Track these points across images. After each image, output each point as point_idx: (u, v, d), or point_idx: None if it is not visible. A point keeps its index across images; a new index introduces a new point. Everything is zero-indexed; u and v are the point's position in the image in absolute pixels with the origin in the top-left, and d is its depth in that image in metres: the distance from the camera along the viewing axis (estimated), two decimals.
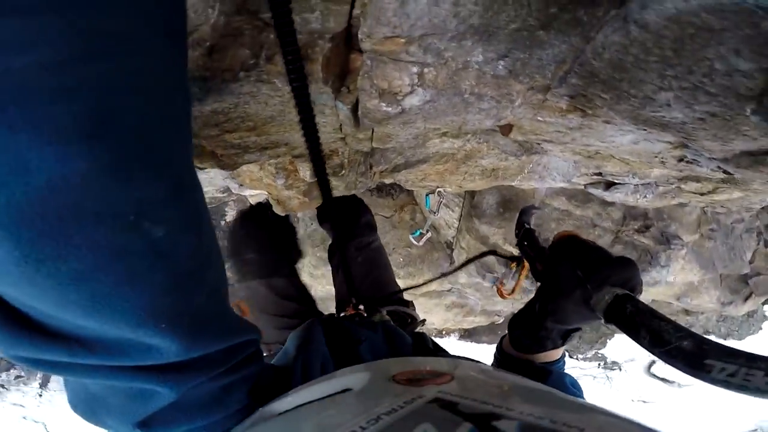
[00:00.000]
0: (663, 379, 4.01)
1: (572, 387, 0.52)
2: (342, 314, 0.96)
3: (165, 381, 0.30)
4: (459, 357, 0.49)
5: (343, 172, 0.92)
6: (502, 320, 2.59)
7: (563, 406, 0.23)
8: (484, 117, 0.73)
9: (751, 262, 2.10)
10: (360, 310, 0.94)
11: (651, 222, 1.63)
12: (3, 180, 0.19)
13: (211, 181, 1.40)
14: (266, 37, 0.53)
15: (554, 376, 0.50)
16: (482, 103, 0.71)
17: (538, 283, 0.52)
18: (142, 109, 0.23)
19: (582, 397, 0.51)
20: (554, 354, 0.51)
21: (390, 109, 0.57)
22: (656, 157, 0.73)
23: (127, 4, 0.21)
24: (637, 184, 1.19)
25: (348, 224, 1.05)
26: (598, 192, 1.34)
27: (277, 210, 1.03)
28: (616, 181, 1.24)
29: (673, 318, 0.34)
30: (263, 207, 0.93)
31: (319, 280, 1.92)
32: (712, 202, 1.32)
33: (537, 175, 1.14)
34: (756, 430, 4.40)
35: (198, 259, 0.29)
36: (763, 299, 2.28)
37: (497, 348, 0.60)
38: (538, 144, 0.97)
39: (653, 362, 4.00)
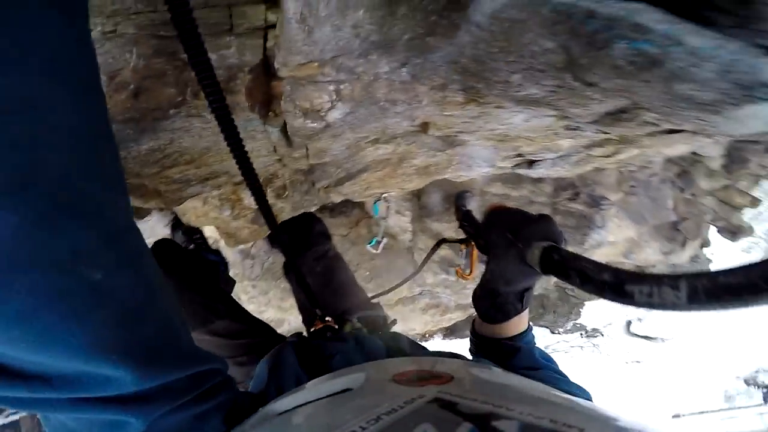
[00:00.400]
0: (645, 337, 4.21)
1: (542, 359, 0.55)
2: (312, 329, 0.97)
3: (129, 411, 0.32)
4: (459, 356, 0.52)
5: (287, 193, 0.99)
6: None
7: (563, 406, 0.23)
8: (400, 119, 0.85)
9: (674, 210, 2.41)
10: (329, 322, 0.95)
11: (579, 189, 1.86)
12: None
13: (152, 230, 1.38)
14: (189, 75, 0.60)
15: (523, 353, 0.54)
16: (396, 107, 0.83)
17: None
18: (62, 162, 0.25)
19: (555, 367, 0.56)
20: (520, 323, 0.56)
21: (315, 124, 0.66)
22: (549, 129, 0.89)
23: (30, 66, 0.24)
24: (553, 158, 1.38)
25: (301, 237, 1.09)
26: (524, 171, 1.52)
27: (229, 244, 1.05)
28: (535, 159, 1.43)
29: None
30: (167, 245, 0.88)
31: (290, 312, 1.91)
32: (619, 162, 1.56)
33: (464, 164, 1.29)
34: (757, 370, 4.72)
35: (140, 295, 0.31)
36: (698, 242, 2.59)
37: (471, 332, 0.65)
38: (455, 136, 1.12)
39: (630, 322, 4.22)
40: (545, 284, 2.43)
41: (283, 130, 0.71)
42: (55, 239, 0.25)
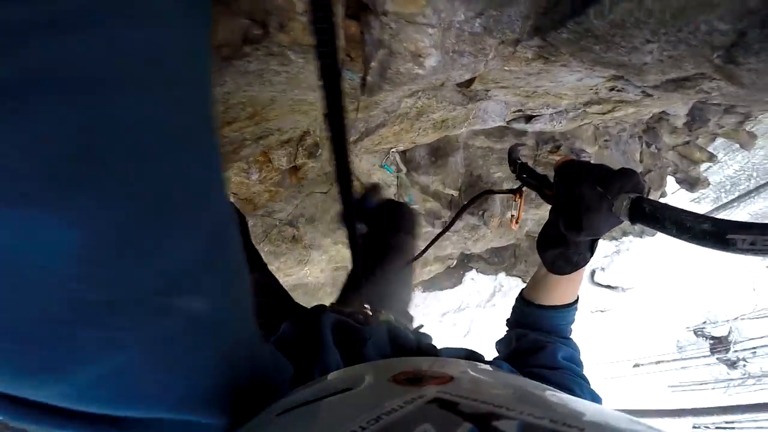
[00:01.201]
0: (607, 286, 4.62)
1: (564, 359, 0.56)
2: (348, 309, 0.92)
3: None
4: (459, 357, 0.52)
5: (320, 151, 0.89)
6: (455, 262, 2.90)
7: (564, 406, 0.24)
8: (464, 72, 0.80)
9: (641, 162, 2.76)
10: (366, 309, 0.91)
11: (560, 142, 2.01)
12: None
13: None
14: (273, 2, 0.47)
15: (547, 351, 0.55)
16: (463, 58, 0.77)
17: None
18: (149, 123, 0.16)
19: (576, 369, 0.57)
20: (575, 286, 0.58)
21: (420, 71, 0.59)
22: (591, 89, 0.93)
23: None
24: (551, 114, 1.46)
25: (390, 218, 0.98)
26: (520, 125, 1.59)
27: (246, 209, 0.93)
28: (534, 114, 1.49)
29: None
30: None
31: (276, 275, 1.81)
32: (612, 119, 1.71)
33: (480, 119, 1.29)
34: (705, 322, 5.44)
35: (241, 321, 0.26)
36: (659, 193, 2.98)
37: (518, 299, 0.66)
38: (486, 91, 1.10)
39: (593, 271, 4.60)
40: (518, 234, 2.67)
41: (364, 77, 0.62)
42: (138, 260, 0.17)
